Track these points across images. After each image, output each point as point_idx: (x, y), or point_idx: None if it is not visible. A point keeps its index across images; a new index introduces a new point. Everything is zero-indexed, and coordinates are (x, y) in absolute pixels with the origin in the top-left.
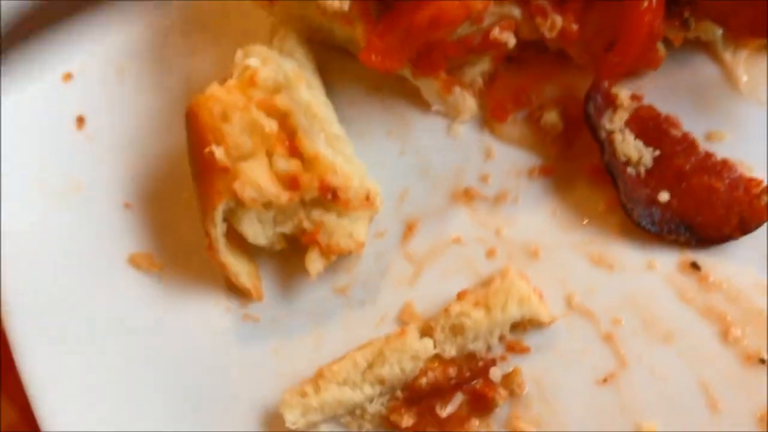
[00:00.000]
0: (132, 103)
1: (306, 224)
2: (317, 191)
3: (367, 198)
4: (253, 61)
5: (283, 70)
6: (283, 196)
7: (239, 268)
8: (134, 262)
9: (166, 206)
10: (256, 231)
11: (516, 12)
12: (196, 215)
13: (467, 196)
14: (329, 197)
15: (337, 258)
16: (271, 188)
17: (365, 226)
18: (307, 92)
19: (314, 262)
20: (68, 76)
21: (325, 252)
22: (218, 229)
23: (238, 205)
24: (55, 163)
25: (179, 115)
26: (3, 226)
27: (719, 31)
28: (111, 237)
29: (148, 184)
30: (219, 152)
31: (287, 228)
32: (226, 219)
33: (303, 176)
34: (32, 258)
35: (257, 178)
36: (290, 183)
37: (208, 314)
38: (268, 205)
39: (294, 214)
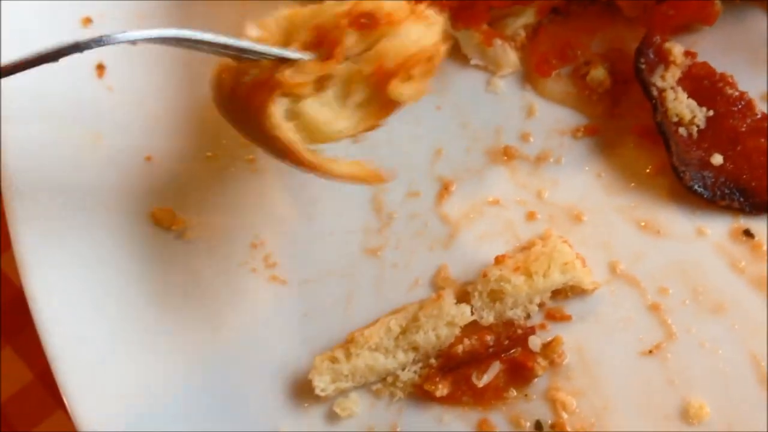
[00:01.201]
0: (153, 50)
1: (366, 69)
2: (351, 27)
3: (413, 11)
4: None
5: None
6: (326, 63)
7: (342, 164)
8: (156, 217)
9: (188, 161)
10: (329, 117)
11: None
12: (220, 171)
13: (507, 155)
14: (364, 23)
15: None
16: (312, 62)
17: (435, 30)
18: None
19: (398, 92)
20: (87, 21)
21: (403, 75)
22: (289, 131)
23: (293, 102)
24: (75, 113)
25: (202, 64)
26: (19, 180)
27: None
28: (131, 191)
29: (170, 137)
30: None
31: (357, 93)
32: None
33: (330, 27)
34: (50, 213)
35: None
36: (324, 43)
37: (233, 275)
38: (321, 81)
39: (353, 75)
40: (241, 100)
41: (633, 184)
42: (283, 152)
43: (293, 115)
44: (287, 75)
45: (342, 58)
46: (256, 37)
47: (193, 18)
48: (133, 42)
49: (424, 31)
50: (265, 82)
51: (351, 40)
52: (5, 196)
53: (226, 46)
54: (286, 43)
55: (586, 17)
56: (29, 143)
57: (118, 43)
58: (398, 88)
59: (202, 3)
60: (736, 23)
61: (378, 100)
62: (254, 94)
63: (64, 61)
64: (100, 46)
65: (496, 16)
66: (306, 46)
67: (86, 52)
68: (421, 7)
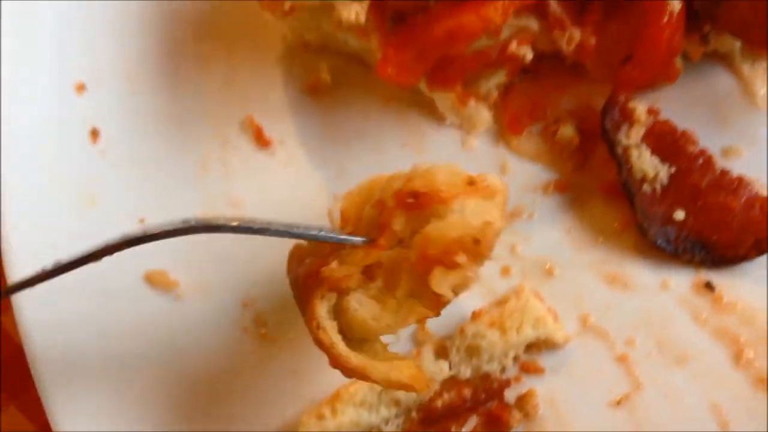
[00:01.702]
0: (146, 114)
1: (412, 256)
2: (399, 209)
3: (471, 183)
4: None
5: None
6: (371, 251)
7: (383, 369)
8: (150, 279)
9: None
10: (375, 312)
11: (534, 24)
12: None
13: None
14: (411, 203)
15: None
16: (359, 250)
17: (494, 209)
18: None
19: (440, 283)
20: (81, 87)
21: (447, 262)
22: (332, 331)
23: (340, 296)
24: (69, 177)
25: (193, 124)
26: (15, 240)
27: (738, 44)
28: (125, 253)
29: (162, 199)
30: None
31: (404, 283)
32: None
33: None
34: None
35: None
36: (376, 225)
37: (225, 333)
38: (370, 271)
39: (400, 263)
40: (297, 286)
41: (601, 239)
42: (323, 349)
43: (339, 311)
44: (332, 269)
45: (390, 243)
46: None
47: (184, 76)
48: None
49: (480, 207)
50: (315, 273)
51: (400, 223)
52: (4, 255)
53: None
54: (359, 217)
55: (556, 77)
56: (26, 205)
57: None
58: (438, 279)
59: (192, 62)
60: (696, 80)
61: (425, 290)
62: (305, 283)
63: (58, 126)
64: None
65: (469, 78)
66: (368, 225)
67: (80, 118)
68: (481, 177)
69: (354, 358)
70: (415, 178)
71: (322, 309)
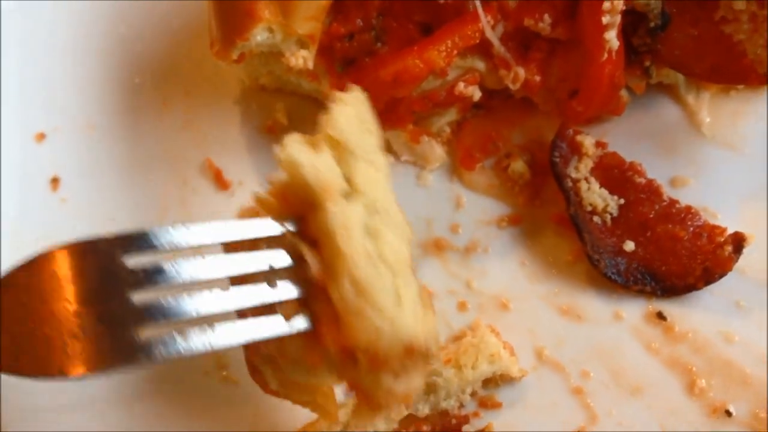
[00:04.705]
0: (106, 160)
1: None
2: (336, 353)
3: (410, 353)
4: None
5: None
6: (306, 353)
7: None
8: None
9: None
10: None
11: (480, 65)
12: None
13: (438, 246)
14: (348, 360)
15: None
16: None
17: (417, 379)
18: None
19: (360, 419)
20: (41, 136)
21: (372, 407)
22: (268, 379)
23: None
24: (30, 226)
25: (153, 168)
26: None
27: (681, 75)
28: None
29: None
30: None
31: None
32: None
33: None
34: None
35: None
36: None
37: (185, 377)
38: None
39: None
40: None
41: (554, 271)
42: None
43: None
44: (266, 351)
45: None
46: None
47: (143, 121)
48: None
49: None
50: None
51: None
52: None
53: None
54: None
55: (505, 111)
56: None
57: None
58: (361, 416)
59: (150, 106)
60: (643, 111)
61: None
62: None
63: (19, 175)
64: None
65: (421, 116)
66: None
67: (42, 167)
68: (418, 345)
69: (282, 392)
70: (357, 325)
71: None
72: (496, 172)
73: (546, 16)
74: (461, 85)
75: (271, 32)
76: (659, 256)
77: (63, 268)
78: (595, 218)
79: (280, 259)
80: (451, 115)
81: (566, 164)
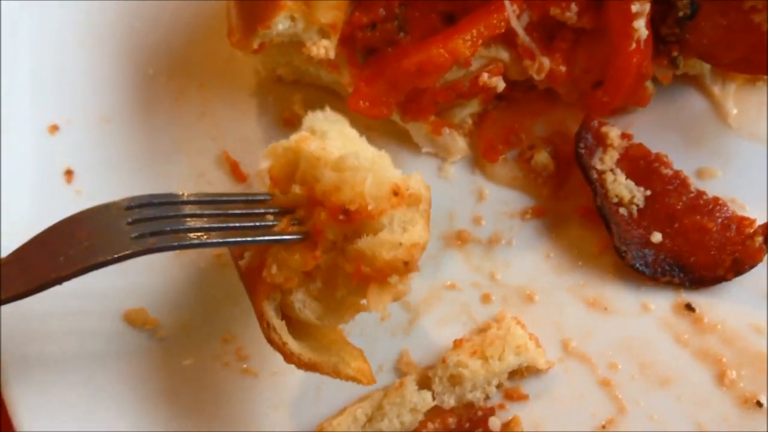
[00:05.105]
0: (120, 152)
1: (347, 267)
2: (331, 221)
3: (396, 193)
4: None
5: None
6: (308, 258)
7: (331, 359)
8: (129, 318)
9: (157, 259)
10: (318, 311)
11: (504, 55)
12: (188, 267)
13: (461, 239)
14: (343, 219)
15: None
16: (294, 255)
17: (419, 226)
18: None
19: (376, 301)
20: (54, 128)
21: (380, 280)
22: (282, 330)
23: (284, 295)
24: (45, 218)
25: (168, 161)
26: None
27: (707, 66)
28: (104, 293)
29: None
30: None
31: (342, 287)
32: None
33: (310, 216)
34: (26, 323)
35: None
36: (300, 208)
37: (206, 369)
38: (308, 277)
39: (336, 270)
40: (243, 280)
41: (580, 263)
42: (275, 347)
43: (285, 306)
44: (273, 275)
45: (325, 250)
46: (265, 168)
47: (157, 113)
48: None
49: (406, 218)
50: (257, 269)
51: (333, 233)
52: None
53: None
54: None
55: (529, 102)
56: (3, 244)
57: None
58: (374, 297)
59: (164, 98)
60: (668, 103)
61: (362, 293)
62: (249, 279)
63: (33, 167)
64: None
65: (443, 107)
66: (296, 202)
67: (56, 159)
68: (404, 185)
69: (305, 356)
70: (343, 188)
71: (269, 308)
72: (519, 164)
73: (573, 5)
74: (485, 76)
75: (293, 21)
76: (687, 248)
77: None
78: (622, 210)
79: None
80: (473, 106)
81: (591, 156)
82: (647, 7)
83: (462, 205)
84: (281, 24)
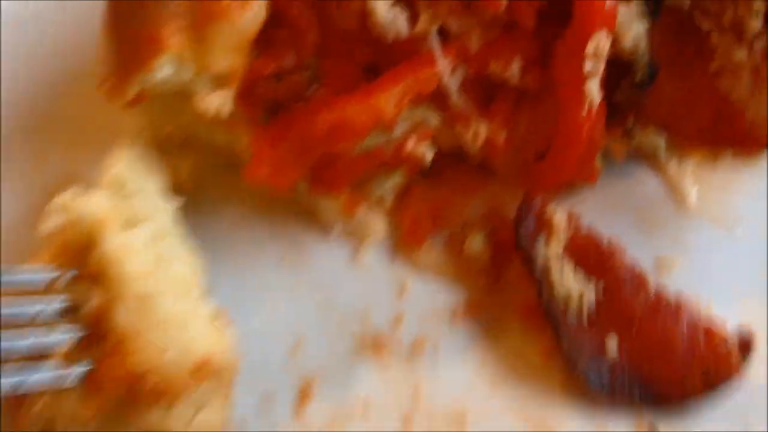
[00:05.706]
0: None
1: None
2: (117, 383)
3: (200, 369)
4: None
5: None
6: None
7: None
8: None
9: None
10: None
11: (433, 118)
12: None
13: (377, 346)
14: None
15: None
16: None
17: (215, 406)
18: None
19: None
20: None
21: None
22: None
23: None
24: None
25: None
26: None
27: (662, 140)
28: None
29: None
30: None
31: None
32: None
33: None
34: None
35: None
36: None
37: None
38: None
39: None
40: None
41: (521, 376)
42: None
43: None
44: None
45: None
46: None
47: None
48: None
49: (204, 397)
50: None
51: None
52: None
53: None
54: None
55: (460, 176)
56: None
57: None
58: None
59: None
60: (618, 180)
61: None
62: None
63: None
64: None
65: (359, 180)
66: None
67: None
68: (206, 362)
69: None
70: (139, 351)
71: None
72: (450, 249)
73: (515, 61)
74: (411, 142)
75: (180, 65)
76: (648, 357)
77: None
78: (570, 309)
79: (55, 302)
80: (396, 179)
81: (533, 242)
82: (602, 65)
83: (379, 300)
84: (165, 68)
